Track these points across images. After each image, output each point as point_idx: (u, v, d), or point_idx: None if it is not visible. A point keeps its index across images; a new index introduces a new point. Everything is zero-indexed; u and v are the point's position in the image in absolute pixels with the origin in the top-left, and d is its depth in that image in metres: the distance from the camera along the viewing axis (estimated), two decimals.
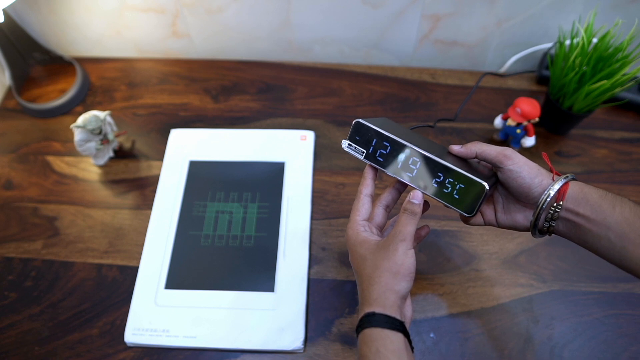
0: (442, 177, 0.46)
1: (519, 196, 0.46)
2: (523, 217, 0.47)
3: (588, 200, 0.43)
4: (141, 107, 0.83)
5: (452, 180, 0.45)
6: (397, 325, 0.42)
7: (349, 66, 0.87)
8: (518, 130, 0.71)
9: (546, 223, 0.45)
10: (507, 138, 0.76)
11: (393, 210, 0.52)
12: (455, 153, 0.48)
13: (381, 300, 0.43)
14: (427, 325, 0.61)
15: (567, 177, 0.45)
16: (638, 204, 0.42)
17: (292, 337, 0.59)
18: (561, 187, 0.44)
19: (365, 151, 0.48)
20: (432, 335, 0.60)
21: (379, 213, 0.50)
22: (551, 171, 0.46)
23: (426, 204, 0.49)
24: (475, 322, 0.61)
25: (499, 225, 0.49)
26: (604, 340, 0.59)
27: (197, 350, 0.60)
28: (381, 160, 0.48)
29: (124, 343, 0.60)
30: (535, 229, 0.46)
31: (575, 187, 0.44)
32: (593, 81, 0.66)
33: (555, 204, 0.44)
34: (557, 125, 0.76)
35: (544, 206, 0.44)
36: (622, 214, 0.42)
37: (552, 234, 0.47)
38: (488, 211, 0.50)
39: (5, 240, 0.69)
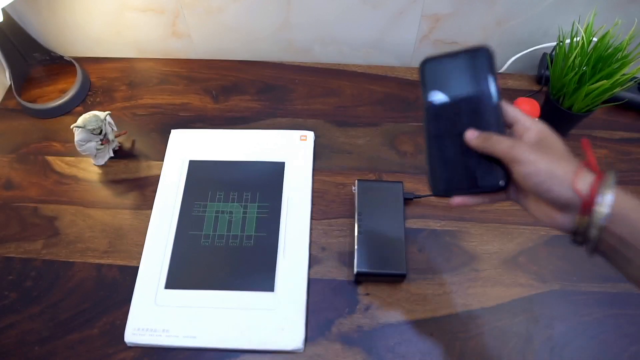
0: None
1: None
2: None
3: (628, 218, 0.35)
4: (141, 107, 0.83)
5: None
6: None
7: (349, 66, 0.87)
8: None
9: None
10: None
11: None
12: (468, 141, 0.41)
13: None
14: (427, 325, 0.61)
15: (607, 183, 0.35)
16: None
17: (292, 337, 0.59)
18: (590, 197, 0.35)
19: None
20: (432, 335, 0.60)
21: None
22: (590, 166, 0.37)
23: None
24: (475, 322, 0.61)
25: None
26: (604, 340, 0.59)
27: (197, 350, 0.60)
28: None
29: (124, 343, 0.60)
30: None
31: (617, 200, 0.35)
32: (593, 81, 0.66)
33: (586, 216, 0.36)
34: (557, 125, 0.75)
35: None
36: None
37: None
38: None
39: (5, 240, 0.69)
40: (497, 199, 0.43)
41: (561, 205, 0.37)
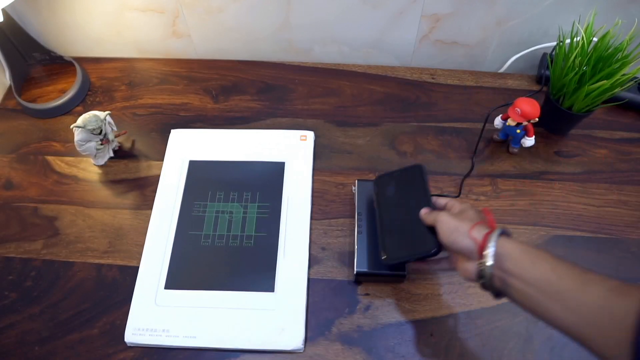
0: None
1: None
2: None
3: (510, 255, 0.45)
4: (141, 107, 0.83)
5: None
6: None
7: (349, 66, 0.87)
8: (518, 130, 0.71)
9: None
10: (507, 138, 0.76)
11: None
12: (421, 214, 0.56)
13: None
14: (427, 325, 0.61)
15: (495, 232, 0.47)
16: (559, 259, 0.44)
17: (292, 337, 0.59)
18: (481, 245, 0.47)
19: None
20: (432, 335, 0.60)
21: None
22: (487, 223, 0.50)
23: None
24: (475, 322, 0.61)
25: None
26: None
27: (197, 350, 0.60)
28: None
29: (124, 343, 0.60)
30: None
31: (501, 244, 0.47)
32: (593, 81, 0.66)
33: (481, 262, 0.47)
34: (557, 125, 0.76)
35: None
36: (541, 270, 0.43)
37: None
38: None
39: (5, 240, 0.69)
40: (443, 267, 0.58)
41: (468, 255, 0.49)
